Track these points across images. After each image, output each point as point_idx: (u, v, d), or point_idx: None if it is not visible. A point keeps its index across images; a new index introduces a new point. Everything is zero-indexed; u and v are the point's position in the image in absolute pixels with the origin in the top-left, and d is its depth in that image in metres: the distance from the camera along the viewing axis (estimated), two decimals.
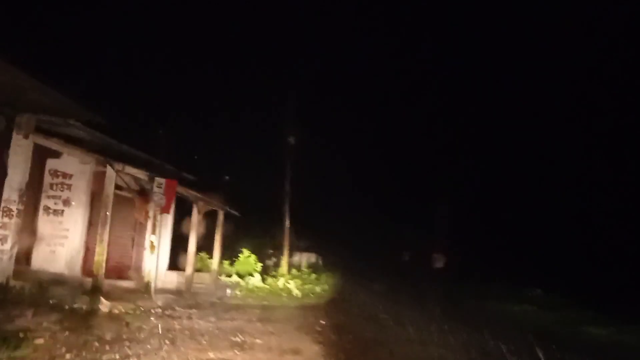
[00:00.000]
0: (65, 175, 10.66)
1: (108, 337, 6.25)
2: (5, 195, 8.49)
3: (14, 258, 8.81)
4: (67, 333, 6.19)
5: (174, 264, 14.21)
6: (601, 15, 26.18)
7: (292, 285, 15.58)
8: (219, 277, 14.88)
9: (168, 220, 14.00)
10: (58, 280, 9.52)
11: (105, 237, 9.18)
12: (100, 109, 11.07)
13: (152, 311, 8.71)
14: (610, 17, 26.18)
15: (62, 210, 10.60)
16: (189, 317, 8.53)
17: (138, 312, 8.43)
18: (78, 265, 10.55)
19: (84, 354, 5.35)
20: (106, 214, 9.28)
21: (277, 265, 19.07)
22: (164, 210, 10.91)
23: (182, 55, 27.91)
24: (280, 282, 15.95)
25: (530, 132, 27.91)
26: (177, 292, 12.08)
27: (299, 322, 9.42)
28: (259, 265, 17.09)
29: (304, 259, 21.23)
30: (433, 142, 33.47)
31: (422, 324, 9.56)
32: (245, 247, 17.55)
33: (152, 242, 10.92)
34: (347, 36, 38.63)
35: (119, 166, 9.62)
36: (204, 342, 6.57)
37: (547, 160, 27.07)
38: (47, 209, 10.54)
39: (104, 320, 7.34)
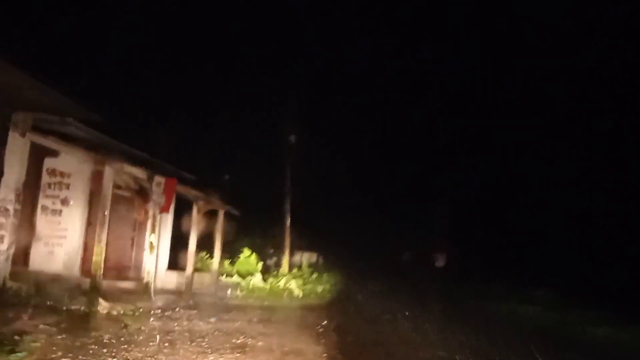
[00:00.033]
0: (63, 175, 10.51)
1: (106, 339, 6.12)
2: (1, 195, 8.34)
3: (10, 259, 8.67)
4: (64, 335, 6.07)
5: (174, 264, 14.08)
6: (601, 15, 26.11)
7: (293, 285, 15.45)
8: (220, 277, 14.74)
9: (168, 219, 13.88)
10: (56, 281, 9.39)
11: (104, 237, 9.03)
12: (98, 107, 10.95)
13: (152, 312, 8.57)
14: (610, 17, 26.10)
15: (60, 210, 10.46)
16: (189, 318, 8.40)
17: (137, 313, 8.30)
18: (76, 266, 10.41)
19: (80, 357, 5.22)
20: (105, 214, 9.13)
21: (277, 264, 18.94)
22: (164, 209, 10.77)
23: (182, 54, 27.80)
24: (282, 282, 15.82)
25: (530, 132, 27.87)
26: (177, 293, 11.95)
27: (301, 323, 9.30)
28: (260, 265, 16.97)
29: (305, 258, 21.13)
30: (433, 142, 33.48)
31: (425, 326, 9.44)
32: (245, 247, 17.43)
33: (151, 242, 10.78)
34: (347, 36, 38.58)
35: (117, 165, 9.47)
36: (204, 344, 6.43)
37: (547, 160, 27.01)
38: (45, 208, 10.39)
39: (102, 321, 7.21)
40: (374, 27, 38.61)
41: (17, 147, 8.52)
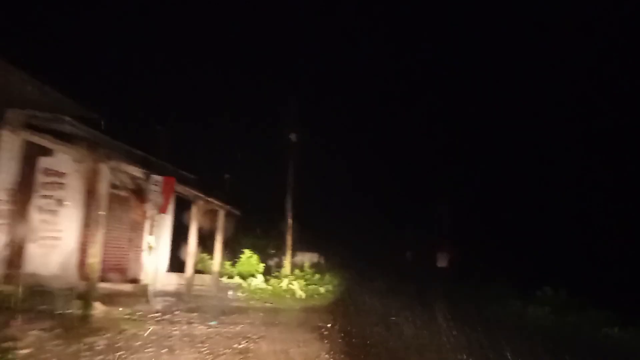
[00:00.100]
0: (58, 174, 10.18)
1: (101, 345, 5.81)
2: None
3: (3, 261, 8.39)
4: (57, 341, 5.76)
5: (174, 266, 13.82)
6: (601, 15, 25.89)
7: (296, 286, 15.14)
8: (220, 279, 14.44)
9: (167, 220, 13.61)
10: (51, 284, 9.08)
11: (100, 238, 8.72)
12: (95, 105, 10.69)
13: (150, 316, 8.25)
14: (610, 17, 25.87)
15: (56, 211, 10.13)
16: (189, 322, 8.08)
17: (135, 317, 7.98)
18: (72, 268, 10.09)
19: None
20: (101, 214, 8.82)
21: (279, 265, 18.63)
22: (162, 209, 10.45)
23: (183, 54, 27.57)
24: (284, 282, 15.51)
25: (530, 132, 27.68)
26: (177, 295, 11.64)
27: (304, 325, 8.99)
28: (261, 266, 16.67)
29: (306, 259, 20.84)
30: (434, 142, 33.27)
31: (433, 329, 9.13)
32: (246, 248, 17.13)
33: (149, 243, 10.47)
34: (347, 36, 38.36)
35: (114, 164, 9.17)
36: (205, 350, 6.12)
37: (548, 160, 26.81)
38: (39, 209, 10.06)
39: (98, 326, 6.88)
40: (374, 27, 38.38)
41: (10, 145, 8.26)
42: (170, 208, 13.44)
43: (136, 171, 10.01)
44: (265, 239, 19.42)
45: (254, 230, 19.00)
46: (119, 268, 12.02)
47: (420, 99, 35.40)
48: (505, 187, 26.59)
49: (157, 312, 8.68)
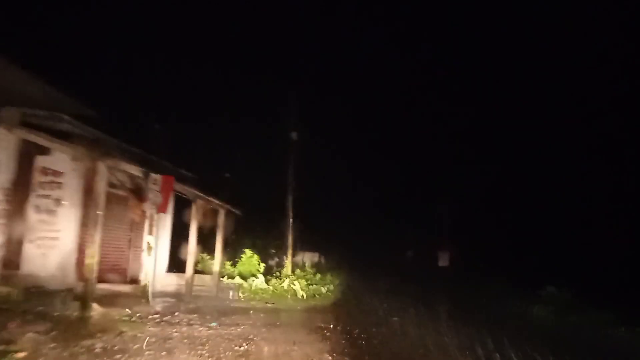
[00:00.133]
0: (55, 173, 10.03)
1: (98, 348, 5.67)
2: None
3: (0, 262, 8.24)
4: (53, 344, 5.61)
5: (173, 266, 13.67)
6: (601, 15, 25.76)
7: (297, 286, 14.99)
8: (221, 279, 14.28)
9: (167, 220, 13.46)
10: (48, 285, 8.94)
11: (98, 238, 8.56)
12: (93, 103, 10.51)
13: (149, 317, 8.10)
14: (610, 17, 25.74)
15: (53, 210, 9.97)
16: (189, 323, 7.94)
17: (133, 318, 7.83)
18: (70, 269, 9.94)
19: None
20: (100, 214, 8.66)
21: (280, 265, 18.47)
22: (161, 209, 10.27)
23: (182, 53, 27.38)
24: (285, 283, 15.37)
25: (532, 131, 27.58)
26: (177, 296, 11.49)
27: (307, 326, 8.83)
28: (262, 266, 16.51)
29: (307, 258, 20.69)
30: (434, 142, 33.16)
31: (438, 329, 8.96)
32: (247, 247, 16.97)
33: (149, 243, 10.31)
34: (347, 36, 38.23)
35: (112, 162, 9.00)
36: (205, 353, 5.98)
37: (549, 159, 26.71)
38: (36, 208, 9.91)
39: (95, 328, 6.73)
40: (374, 27, 38.25)
41: (5, 143, 8.10)
42: (170, 207, 13.30)
43: (135, 170, 9.83)
44: (265, 239, 19.25)
45: (255, 229, 18.82)
46: (118, 268, 11.87)
47: (420, 98, 35.32)
48: (507, 186, 26.54)
49: (156, 313, 8.54)
